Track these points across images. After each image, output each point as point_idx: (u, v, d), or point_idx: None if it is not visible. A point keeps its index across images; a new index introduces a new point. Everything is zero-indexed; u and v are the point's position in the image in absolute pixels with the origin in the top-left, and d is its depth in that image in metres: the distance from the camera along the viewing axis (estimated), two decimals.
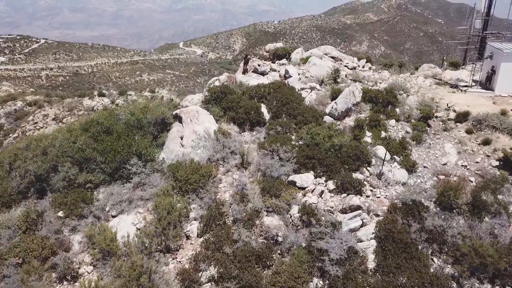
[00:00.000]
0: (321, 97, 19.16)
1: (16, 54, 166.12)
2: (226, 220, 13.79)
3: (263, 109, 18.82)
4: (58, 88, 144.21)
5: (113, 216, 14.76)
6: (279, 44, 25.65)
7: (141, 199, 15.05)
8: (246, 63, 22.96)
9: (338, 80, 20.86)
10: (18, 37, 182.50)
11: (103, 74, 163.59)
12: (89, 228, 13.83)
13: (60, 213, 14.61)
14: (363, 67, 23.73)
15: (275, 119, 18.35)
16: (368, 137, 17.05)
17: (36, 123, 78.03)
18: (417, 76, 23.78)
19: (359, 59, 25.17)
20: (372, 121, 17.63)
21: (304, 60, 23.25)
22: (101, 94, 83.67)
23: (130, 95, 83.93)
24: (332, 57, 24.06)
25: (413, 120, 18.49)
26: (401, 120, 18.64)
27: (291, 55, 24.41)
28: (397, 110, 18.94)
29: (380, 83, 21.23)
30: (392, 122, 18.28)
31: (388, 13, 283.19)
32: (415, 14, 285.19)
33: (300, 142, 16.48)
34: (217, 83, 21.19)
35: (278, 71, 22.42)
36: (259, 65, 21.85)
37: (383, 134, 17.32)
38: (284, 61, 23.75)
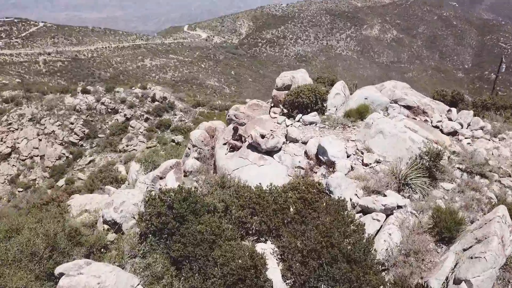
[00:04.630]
0: (413, 235, 7.91)
1: (13, 38, 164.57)
2: None
3: (271, 265, 7.71)
4: (56, 74, 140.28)
5: None
6: (300, 75, 13.51)
7: None
8: (235, 133, 11.59)
9: (436, 171, 9.50)
10: (15, 20, 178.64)
11: (103, 59, 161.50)
12: None
13: None
14: (468, 125, 12.12)
15: None
16: None
17: (10, 124, 67.82)
18: None
19: (453, 104, 13.62)
20: None
21: (354, 115, 11.76)
22: (85, 91, 73.30)
23: (118, 92, 73.43)
24: (407, 107, 12.47)
25: None
26: None
27: (325, 102, 12.60)
28: None
29: None
30: None
31: None
32: None
33: None
34: (170, 181, 9.91)
35: (303, 143, 11.05)
36: (262, 136, 10.40)
37: None
38: (313, 117, 11.85)
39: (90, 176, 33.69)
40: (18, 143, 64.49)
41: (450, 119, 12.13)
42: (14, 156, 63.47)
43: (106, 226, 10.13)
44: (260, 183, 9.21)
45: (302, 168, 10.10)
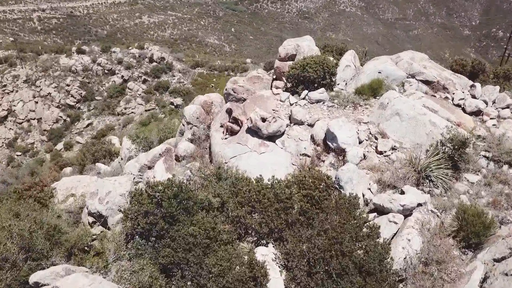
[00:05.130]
0: (434, 240, 6.93)
1: None
2: None
3: (273, 275, 6.80)
4: (51, 31, 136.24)
5: None
6: (305, 43, 11.77)
7: None
8: (230, 115, 10.28)
9: (459, 160, 8.39)
10: None
11: (99, 16, 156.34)
12: None
13: None
14: (494, 103, 10.83)
15: None
16: None
17: (5, 86, 66.19)
18: None
19: (473, 75, 12.26)
20: None
21: (366, 91, 10.50)
22: (80, 51, 71.09)
23: (114, 52, 71.16)
24: (426, 82, 11.13)
25: None
26: None
27: (334, 76, 11.16)
28: None
29: None
30: None
31: None
32: None
33: None
34: (159, 172, 8.77)
35: (309, 125, 9.89)
36: (263, 120, 9.19)
37: None
38: (320, 94, 10.44)
39: (82, 149, 32.47)
40: (14, 105, 63.04)
41: (473, 96, 10.84)
42: (10, 119, 62.28)
43: (91, 219, 9.19)
44: (260, 175, 8.15)
45: (308, 156, 8.98)
